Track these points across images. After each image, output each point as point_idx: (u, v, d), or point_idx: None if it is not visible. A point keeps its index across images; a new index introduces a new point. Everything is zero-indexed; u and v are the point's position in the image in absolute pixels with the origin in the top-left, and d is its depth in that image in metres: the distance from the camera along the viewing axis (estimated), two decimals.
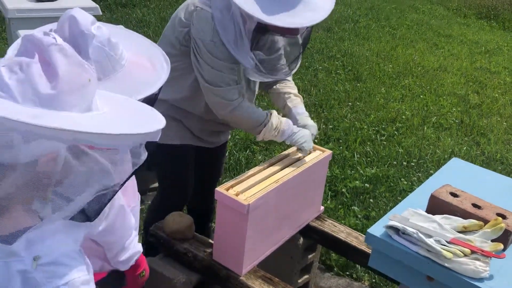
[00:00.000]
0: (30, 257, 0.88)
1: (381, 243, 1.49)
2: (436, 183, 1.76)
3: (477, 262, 1.33)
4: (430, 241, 1.40)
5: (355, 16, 7.99)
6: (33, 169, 0.78)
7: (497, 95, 5.47)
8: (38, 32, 0.86)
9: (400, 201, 3.32)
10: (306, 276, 2.47)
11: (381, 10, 8.62)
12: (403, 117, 4.62)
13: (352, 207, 3.23)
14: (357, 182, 3.47)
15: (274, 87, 2.20)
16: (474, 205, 1.55)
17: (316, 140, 4.02)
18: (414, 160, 3.87)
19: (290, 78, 2.22)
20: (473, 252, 1.36)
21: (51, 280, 0.88)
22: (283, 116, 2.12)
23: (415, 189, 3.48)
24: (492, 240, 1.42)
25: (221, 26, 1.82)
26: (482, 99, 5.29)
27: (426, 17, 8.62)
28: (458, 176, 1.86)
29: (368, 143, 4.09)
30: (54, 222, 0.89)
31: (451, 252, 1.35)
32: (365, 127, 4.35)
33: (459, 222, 1.47)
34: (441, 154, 4.03)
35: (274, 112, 2.03)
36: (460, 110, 4.95)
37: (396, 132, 4.32)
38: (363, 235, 2.28)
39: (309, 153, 2.11)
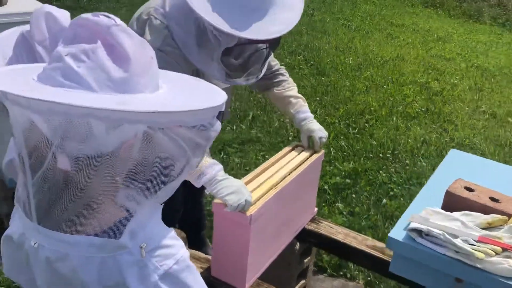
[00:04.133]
0: (137, 246, 0.88)
1: (405, 247, 1.41)
2: (443, 177, 1.70)
3: (511, 260, 1.27)
4: (458, 241, 1.33)
5: (309, 10, 7.97)
6: (117, 157, 0.77)
7: (455, 81, 5.60)
8: (90, 16, 0.80)
9: (381, 193, 3.35)
10: (302, 281, 2.38)
11: (334, 3, 8.68)
12: (371, 108, 4.62)
13: (336, 204, 3.17)
14: (337, 178, 3.41)
15: (274, 91, 2.07)
16: (492, 199, 1.50)
17: (290, 138, 3.95)
18: (389, 152, 3.86)
19: (286, 77, 2.10)
20: (504, 249, 1.30)
21: (163, 263, 0.90)
22: (290, 120, 1.99)
23: (394, 180, 3.52)
24: None
25: (181, 40, 1.68)
26: (442, 86, 5.39)
27: (377, 8, 8.75)
28: (462, 168, 1.82)
29: (341, 137, 4.06)
30: (146, 208, 0.87)
31: (483, 252, 1.29)
32: (336, 121, 4.32)
33: (482, 218, 1.41)
34: (413, 143, 4.05)
35: (209, 156, 1.73)
36: (424, 98, 5.02)
37: (366, 125, 4.31)
38: (361, 234, 2.21)
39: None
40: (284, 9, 1.66)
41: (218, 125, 0.84)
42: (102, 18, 0.79)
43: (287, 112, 2.08)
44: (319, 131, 2.03)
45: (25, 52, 1.08)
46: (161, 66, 1.70)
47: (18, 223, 0.92)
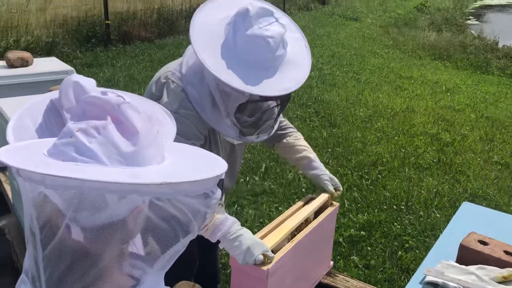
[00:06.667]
0: None
1: None
2: (457, 230, 1.73)
3: None
4: None
5: (318, 64, 8.21)
6: (126, 224, 0.80)
7: (466, 131, 5.66)
8: (99, 94, 0.85)
9: (396, 246, 3.34)
10: None
11: (342, 57, 8.93)
12: (383, 160, 4.67)
13: (351, 257, 3.16)
14: (352, 230, 3.41)
15: (285, 141, 2.16)
16: (506, 252, 1.52)
17: (303, 189, 3.99)
18: (402, 203, 3.87)
19: (295, 129, 2.20)
20: None
21: None
22: (300, 168, 2.13)
23: (408, 232, 3.51)
24: None
25: (196, 101, 1.77)
26: (453, 137, 5.44)
27: (385, 61, 8.97)
28: (475, 221, 1.84)
29: (355, 188, 4.09)
30: (152, 275, 0.87)
31: None
32: (349, 172, 4.36)
33: (497, 272, 1.43)
34: (426, 194, 4.06)
35: (223, 210, 1.80)
36: (435, 149, 5.06)
37: (379, 176, 4.35)
38: (375, 287, 2.21)
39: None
40: (292, 67, 1.76)
41: (218, 193, 0.87)
42: (112, 96, 0.84)
43: (302, 158, 2.14)
44: (333, 179, 2.11)
45: (53, 118, 1.17)
46: (178, 128, 1.78)
47: None
